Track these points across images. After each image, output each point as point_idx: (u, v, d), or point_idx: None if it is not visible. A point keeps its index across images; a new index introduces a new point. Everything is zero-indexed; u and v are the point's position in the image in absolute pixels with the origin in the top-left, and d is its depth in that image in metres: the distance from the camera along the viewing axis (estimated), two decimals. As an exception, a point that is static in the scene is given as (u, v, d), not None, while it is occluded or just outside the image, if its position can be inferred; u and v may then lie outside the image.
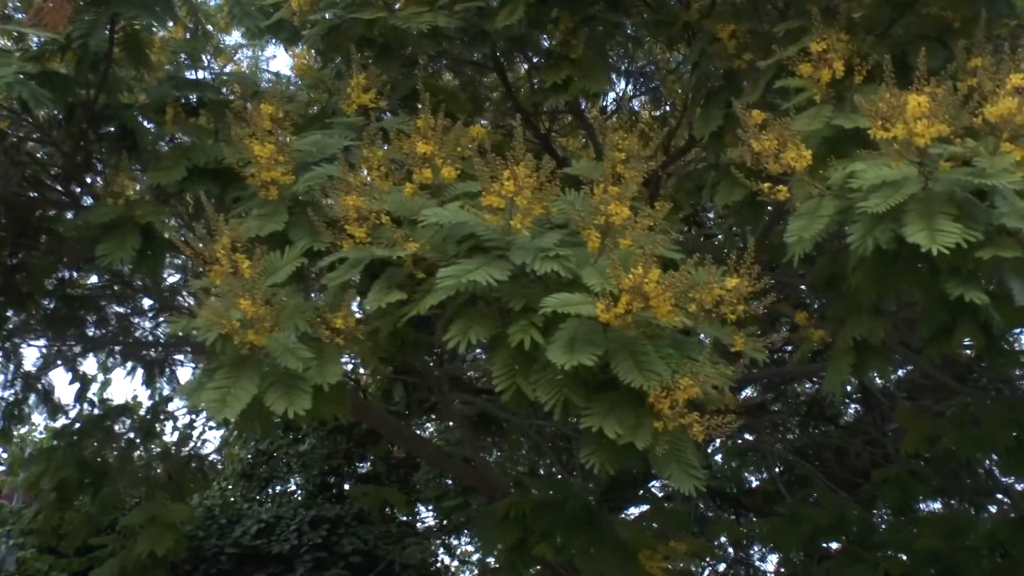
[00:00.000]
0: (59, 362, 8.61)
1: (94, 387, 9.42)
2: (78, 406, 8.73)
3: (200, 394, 4.32)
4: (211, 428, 11.33)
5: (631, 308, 3.96)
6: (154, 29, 5.51)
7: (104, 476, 7.25)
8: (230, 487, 10.95)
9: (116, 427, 8.22)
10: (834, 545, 8.16)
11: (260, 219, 4.91)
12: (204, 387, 4.33)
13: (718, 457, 11.37)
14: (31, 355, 12.51)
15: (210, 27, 6.00)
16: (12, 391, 8.52)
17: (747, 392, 11.28)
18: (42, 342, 8.37)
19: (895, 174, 4.12)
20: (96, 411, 8.51)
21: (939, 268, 4.21)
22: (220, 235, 4.45)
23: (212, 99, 5.60)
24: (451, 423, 9.72)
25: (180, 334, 4.53)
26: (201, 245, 4.48)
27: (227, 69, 6.06)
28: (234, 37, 6.44)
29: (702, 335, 4.47)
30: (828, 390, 5.51)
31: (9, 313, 7.36)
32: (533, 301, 4.29)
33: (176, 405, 9.18)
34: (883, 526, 7.45)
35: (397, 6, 6.06)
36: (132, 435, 8.49)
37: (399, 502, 9.17)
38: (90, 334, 8.64)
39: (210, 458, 9.86)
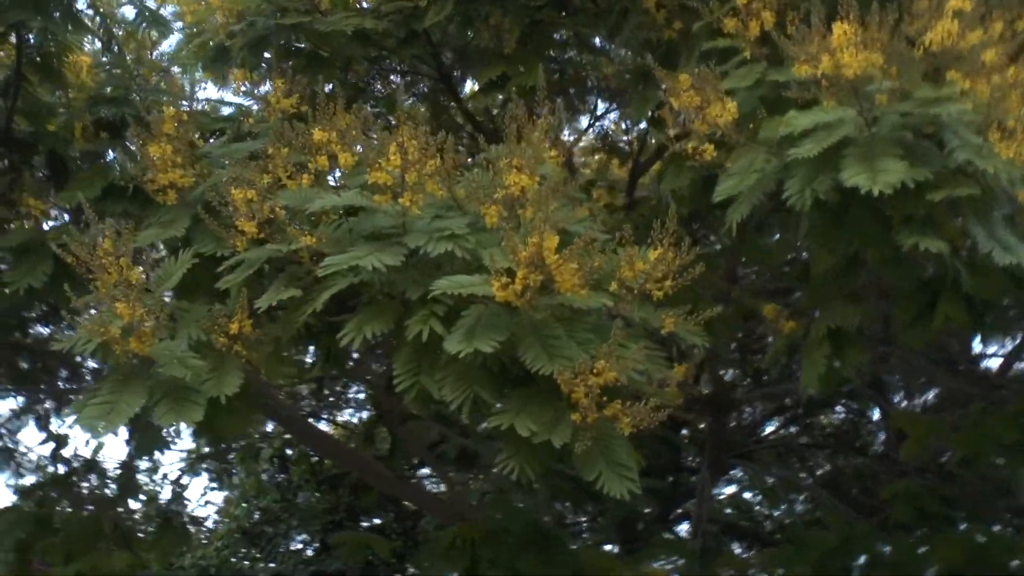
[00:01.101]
0: (29, 418, 8.33)
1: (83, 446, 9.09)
2: (49, 464, 8.39)
3: (84, 410, 3.95)
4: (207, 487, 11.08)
5: (529, 282, 3.51)
6: (68, 46, 5.27)
7: (59, 532, 6.89)
8: (227, 547, 10.52)
9: (84, 484, 7.86)
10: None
11: (160, 226, 4.59)
12: (88, 403, 3.97)
13: (747, 494, 10.84)
14: None
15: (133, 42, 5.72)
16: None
17: (772, 427, 10.79)
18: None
19: (829, 116, 3.67)
20: (61, 468, 8.13)
21: (890, 220, 3.72)
22: (104, 241, 4.09)
23: (132, 116, 5.32)
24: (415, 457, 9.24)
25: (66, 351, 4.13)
26: (86, 254, 4.12)
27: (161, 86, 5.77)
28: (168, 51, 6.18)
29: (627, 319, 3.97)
30: (804, 385, 4.96)
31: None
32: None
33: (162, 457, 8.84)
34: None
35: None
36: (107, 492, 8.11)
37: (383, 550, 8.65)
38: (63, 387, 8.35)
39: (195, 513, 9.45)
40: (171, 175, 4.50)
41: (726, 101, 3.88)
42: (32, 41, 5.14)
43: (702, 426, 8.74)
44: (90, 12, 5.29)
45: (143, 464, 9.48)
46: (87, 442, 9.48)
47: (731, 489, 10.61)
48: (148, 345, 3.94)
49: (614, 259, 3.73)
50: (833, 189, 3.64)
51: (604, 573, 5.29)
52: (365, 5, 5.91)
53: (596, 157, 8.05)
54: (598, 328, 3.81)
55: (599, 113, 7.85)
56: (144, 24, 5.35)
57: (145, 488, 9.60)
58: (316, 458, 9.93)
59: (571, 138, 6.34)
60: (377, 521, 10.97)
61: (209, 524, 11.08)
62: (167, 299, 4.38)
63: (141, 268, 4.16)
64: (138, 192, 5.26)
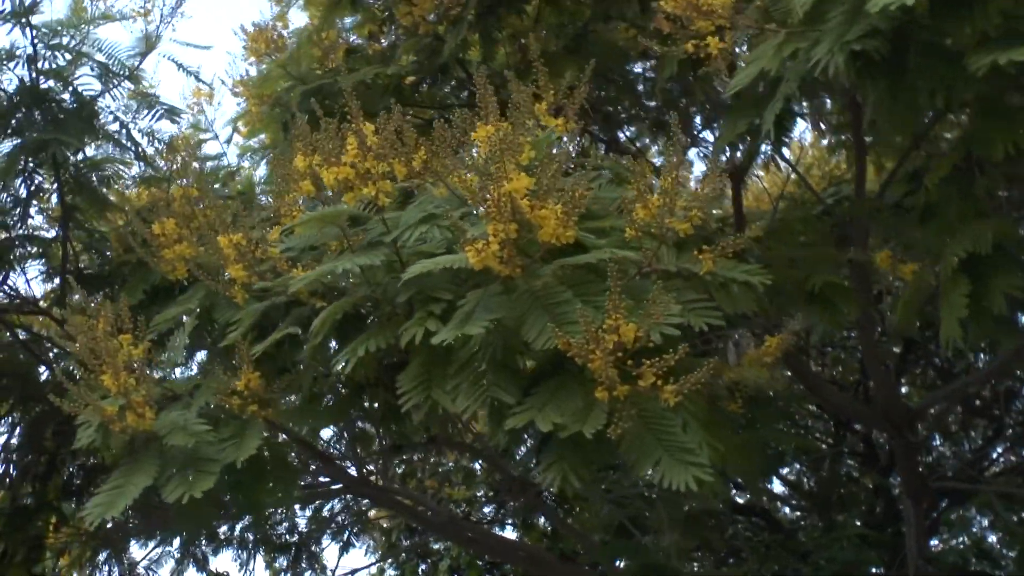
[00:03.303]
0: (189, 563, 8.22)
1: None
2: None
3: (92, 501, 3.61)
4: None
5: (505, 236, 2.91)
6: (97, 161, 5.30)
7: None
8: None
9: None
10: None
11: (177, 304, 4.32)
12: (98, 492, 3.64)
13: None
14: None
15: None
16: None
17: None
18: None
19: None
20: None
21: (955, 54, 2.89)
22: (99, 323, 3.84)
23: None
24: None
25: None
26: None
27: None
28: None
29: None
30: (946, 336, 3.96)
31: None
32: (430, 288, 3.34)
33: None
34: None
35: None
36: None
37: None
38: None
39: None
40: (176, 249, 4.25)
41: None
42: (66, 162, 5.18)
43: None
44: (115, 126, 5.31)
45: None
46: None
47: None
48: (149, 419, 3.60)
49: (614, 192, 3.06)
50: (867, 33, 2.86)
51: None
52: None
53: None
54: (632, 289, 3.12)
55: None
56: (158, 116, 5.29)
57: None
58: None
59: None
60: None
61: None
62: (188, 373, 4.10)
63: (144, 345, 3.87)
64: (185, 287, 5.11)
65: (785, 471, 9.84)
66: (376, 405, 4.33)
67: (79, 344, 3.70)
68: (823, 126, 6.91)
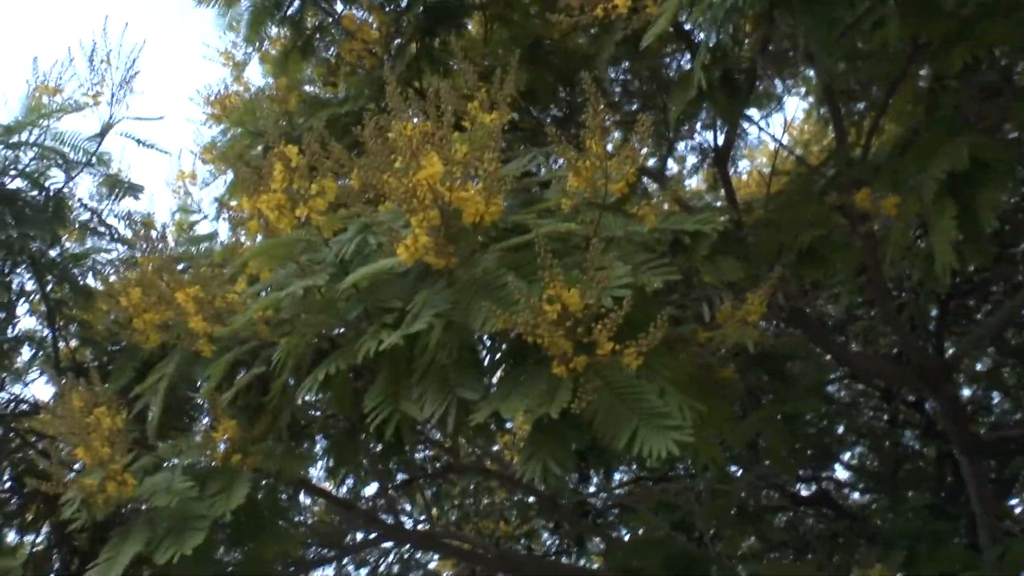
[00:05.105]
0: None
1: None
2: None
3: (85, 576, 3.54)
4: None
5: (428, 222, 2.80)
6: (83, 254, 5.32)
7: None
8: None
9: None
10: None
11: (156, 372, 4.26)
12: (92, 568, 3.56)
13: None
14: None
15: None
16: None
17: None
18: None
19: None
20: None
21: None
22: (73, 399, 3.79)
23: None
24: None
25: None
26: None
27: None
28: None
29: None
30: (941, 264, 3.76)
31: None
32: (383, 298, 3.24)
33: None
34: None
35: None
36: None
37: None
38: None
39: None
40: (145, 318, 4.20)
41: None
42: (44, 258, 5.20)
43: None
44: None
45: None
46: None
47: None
48: (131, 486, 3.53)
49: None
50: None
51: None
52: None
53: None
54: (582, 262, 2.99)
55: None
56: (120, 195, 5.30)
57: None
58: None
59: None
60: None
61: None
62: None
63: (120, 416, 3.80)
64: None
65: (846, 456, 9.54)
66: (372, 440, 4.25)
67: (55, 424, 3.66)
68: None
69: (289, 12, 5.45)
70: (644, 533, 7.57)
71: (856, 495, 9.88)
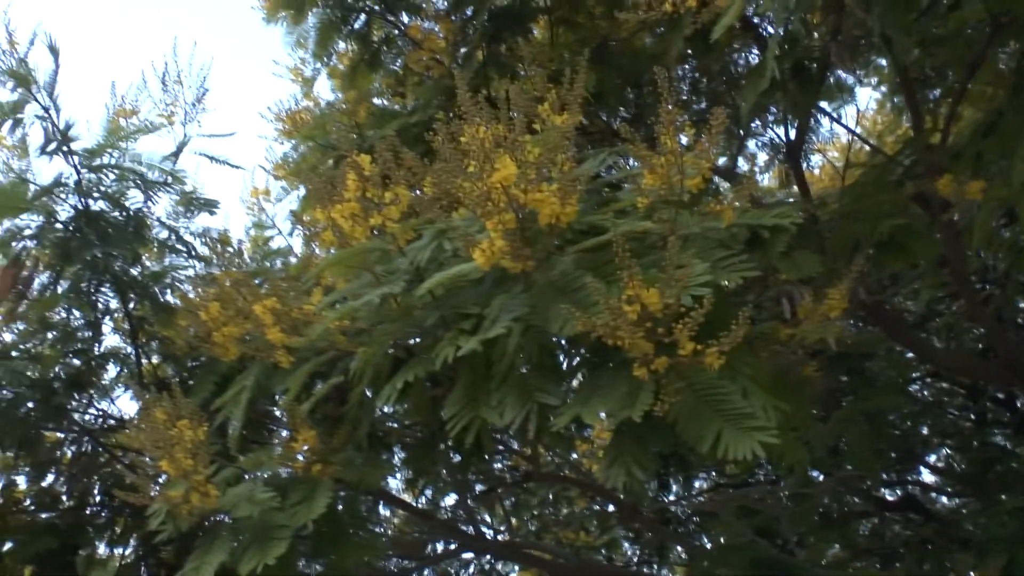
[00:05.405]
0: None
1: None
2: None
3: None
4: None
5: (504, 225, 2.78)
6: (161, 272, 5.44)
7: None
8: None
9: None
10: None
11: (235, 384, 4.32)
12: (180, 577, 3.62)
13: None
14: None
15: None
16: None
17: None
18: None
19: None
20: None
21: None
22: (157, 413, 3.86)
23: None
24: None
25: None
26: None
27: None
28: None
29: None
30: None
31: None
32: (460, 304, 3.23)
33: None
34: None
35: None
36: None
37: None
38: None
39: None
40: (225, 331, 4.26)
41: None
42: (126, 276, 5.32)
43: None
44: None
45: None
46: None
47: None
48: (214, 497, 3.57)
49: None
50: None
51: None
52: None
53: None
54: (659, 261, 2.94)
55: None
56: (196, 211, 5.41)
57: None
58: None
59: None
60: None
61: None
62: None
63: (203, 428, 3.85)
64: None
65: (932, 459, 9.26)
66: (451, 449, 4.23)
67: (140, 438, 3.73)
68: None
69: (356, 26, 5.52)
70: (726, 540, 7.44)
71: (944, 499, 9.58)
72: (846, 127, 6.80)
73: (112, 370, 5.74)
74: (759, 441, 2.69)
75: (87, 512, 5.93)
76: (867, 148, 7.41)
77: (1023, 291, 7.48)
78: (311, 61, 6.11)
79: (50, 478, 6.03)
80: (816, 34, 4.98)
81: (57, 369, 5.50)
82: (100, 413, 5.89)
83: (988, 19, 4.17)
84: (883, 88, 7.85)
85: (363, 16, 5.58)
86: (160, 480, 3.85)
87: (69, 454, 6.04)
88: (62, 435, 5.95)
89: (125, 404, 5.98)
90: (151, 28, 17.31)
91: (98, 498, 6.01)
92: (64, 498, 5.95)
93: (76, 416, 5.83)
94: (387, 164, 3.33)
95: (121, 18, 18.52)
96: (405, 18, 5.53)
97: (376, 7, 5.54)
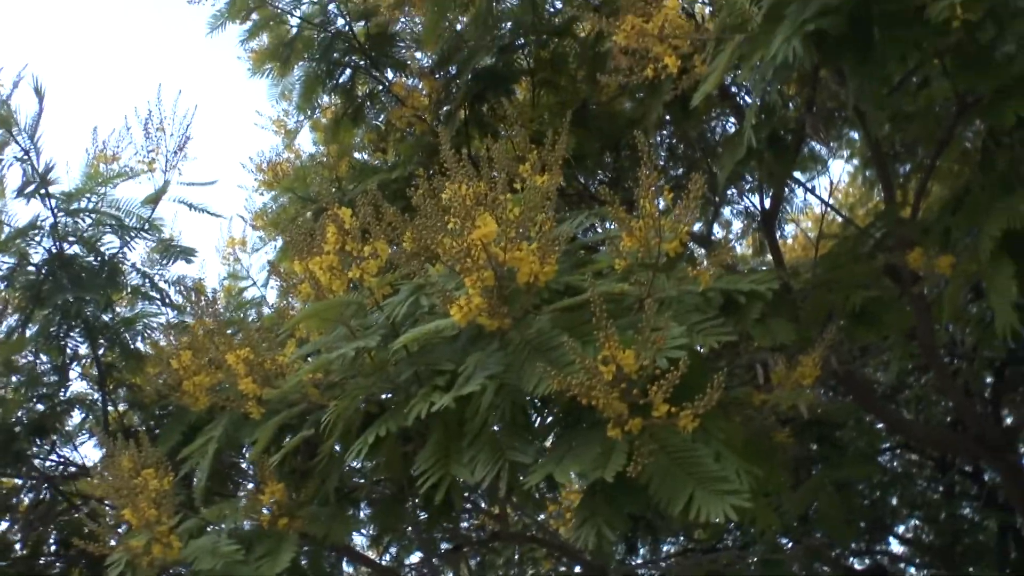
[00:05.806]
0: None
1: None
2: None
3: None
4: None
5: (482, 283, 2.79)
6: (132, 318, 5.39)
7: None
8: None
9: None
10: None
11: (203, 434, 4.26)
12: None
13: None
14: None
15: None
16: None
17: None
18: None
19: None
20: None
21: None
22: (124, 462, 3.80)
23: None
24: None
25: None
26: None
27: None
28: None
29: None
30: (1001, 325, 3.66)
31: None
32: (435, 360, 3.22)
33: None
34: None
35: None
36: None
37: None
38: None
39: None
40: (195, 380, 4.22)
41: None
42: (97, 321, 5.26)
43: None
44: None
45: None
46: None
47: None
48: (176, 548, 3.50)
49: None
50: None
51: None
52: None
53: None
54: (635, 323, 2.96)
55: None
56: (172, 259, 5.38)
57: None
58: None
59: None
60: None
61: None
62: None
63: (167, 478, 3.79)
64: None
65: (901, 529, 9.27)
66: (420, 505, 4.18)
67: (103, 486, 3.67)
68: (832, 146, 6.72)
69: (341, 81, 5.57)
70: (693, 606, 7.36)
71: (912, 570, 9.57)
72: (820, 198, 6.92)
73: (77, 416, 5.65)
74: (731, 504, 2.68)
75: (40, 561, 5.79)
76: (839, 219, 7.56)
77: (991, 366, 7.59)
78: (295, 113, 6.17)
79: (3, 525, 5.90)
80: (792, 105, 5.09)
81: (20, 413, 5.41)
82: (62, 460, 5.77)
83: (954, 98, 4.29)
84: (855, 161, 8.04)
85: (348, 71, 5.65)
86: (121, 530, 3.77)
87: (26, 501, 5.91)
88: (20, 481, 5.83)
89: (88, 451, 5.88)
90: (137, 74, 17.40)
91: (53, 548, 5.87)
92: (18, 547, 5.81)
93: (36, 462, 5.73)
94: (367, 218, 3.35)
95: (108, 63, 18.63)
96: (390, 74, 5.60)
97: (361, 62, 5.61)
